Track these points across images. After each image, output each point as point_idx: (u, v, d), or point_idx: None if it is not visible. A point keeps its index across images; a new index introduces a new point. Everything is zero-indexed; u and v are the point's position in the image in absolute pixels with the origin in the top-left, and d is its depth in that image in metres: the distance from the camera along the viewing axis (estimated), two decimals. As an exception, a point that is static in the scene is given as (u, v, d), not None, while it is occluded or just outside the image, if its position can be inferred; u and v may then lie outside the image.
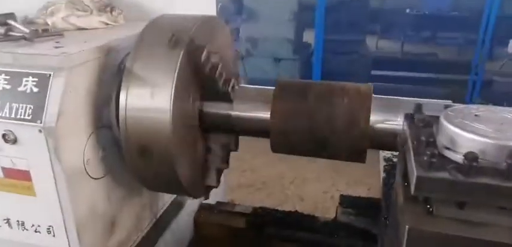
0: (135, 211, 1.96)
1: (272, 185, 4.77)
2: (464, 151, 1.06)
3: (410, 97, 5.25)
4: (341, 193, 2.37)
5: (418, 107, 1.38)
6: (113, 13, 2.02)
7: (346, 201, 2.29)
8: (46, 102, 1.42)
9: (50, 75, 1.43)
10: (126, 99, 1.49)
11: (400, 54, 9.87)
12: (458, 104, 1.53)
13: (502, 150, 1.02)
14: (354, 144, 1.53)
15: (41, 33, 1.72)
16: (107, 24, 1.99)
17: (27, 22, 2.00)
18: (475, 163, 1.00)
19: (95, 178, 1.64)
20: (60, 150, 1.44)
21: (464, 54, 9.12)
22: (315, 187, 4.84)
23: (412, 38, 10.36)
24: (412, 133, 1.25)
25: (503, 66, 7.92)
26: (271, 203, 4.51)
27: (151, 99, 1.47)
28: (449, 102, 1.58)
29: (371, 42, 8.64)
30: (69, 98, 1.44)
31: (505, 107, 1.33)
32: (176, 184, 1.58)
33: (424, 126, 1.22)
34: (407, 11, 9.99)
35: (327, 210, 4.43)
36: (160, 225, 2.17)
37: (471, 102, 5.43)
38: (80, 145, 1.54)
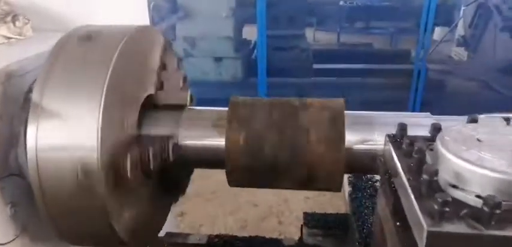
0: (62, 267, 1.58)
1: (222, 194, 4.48)
2: (476, 190, 0.86)
3: (353, 90, 5.23)
4: (304, 211, 2.15)
5: (402, 127, 1.17)
6: (16, 23, 1.61)
7: (311, 220, 2.07)
8: None
9: None
10: (37, 137, 1.13)
11: (337, 45, 10.03)
12: (444, 119, 1.37)
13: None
14: (329, 170, 1.30)
15: None
16: (9, 38, 1.58)
17: None
18: (497, 211, 0.80)
19: (3, 244, 1.26)
20: None
21: (398, 43, 9.49)
22: (265, 190, 4.63)
23: (347, 29, 10.58)
24: (402, 163, 1.04)
25: (432, 53, 8.29)
26: (224, 212, 4.25)
27: (69, 131, 1.12)
28: (428, 114, 1.39)
29: (308, 34, 8.62)
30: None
31: (499, 121, 1.17)
32: (110, 236, 1.25)
33: (415, 153, 1.01)
34: (341, 2, 10.17)
35: (282, 213, 4.26)
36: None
37: (416, 92, 5.47)
38: (-26, 210, 1.15)
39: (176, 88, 1.43)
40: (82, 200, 1.15)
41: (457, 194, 0.89)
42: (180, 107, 1.43)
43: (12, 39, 1.60)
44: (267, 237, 2.15)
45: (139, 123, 1.35)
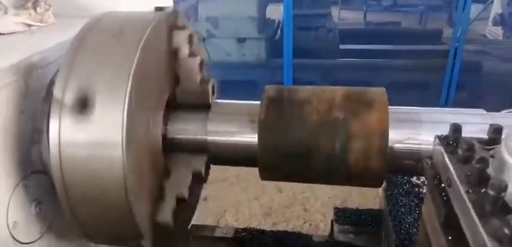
0: (89, 262, 1.55)
1: (246, 178, 4.42)
2: (553, 208, 0.75)
3: (381, 71, 5.01)
4: (335, 206, 2.06)
5: (456, 128, 1.05)
6: (38, 10, 1.54)
7: (342, 216, 1.98)
8: None
9: None
10: (60, 132, 1.06)
11: (363, 24, 9.72)
12: (498, 116, 1.24)
13: None
14: (368, 171, 1.19)
15: None
16: (30, 25, 1.52)
17: None
18: None
19: (29, 243, 1.22)
20: (-35, 223, 1.01)
21: (428, 22, 9.11)
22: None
23: (374, 7, 10.24)
24: (458, 171, 0.92)
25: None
26: (248, 198, 4.20)
27: (94, 126, 1.05)
28: (482, 111, 1.26)
29: (334, 13, 8.36)
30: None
31: None
32: (135, 237, 1.18)
33: (477, 162, 0.89)
34: (368, -22, 9.85)
35: (307, 200, 4.18)
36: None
37: (452, 74, 5.15)
38: (-3, 209, 1.11)
39: (194, 83, 1.31)
40: (106, 198, 1.09)
41: (527, 212, 0.78)
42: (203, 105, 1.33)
43: (33, 27, 1.53)
44: (296, 231, 2.08)
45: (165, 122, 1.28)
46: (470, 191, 0.85)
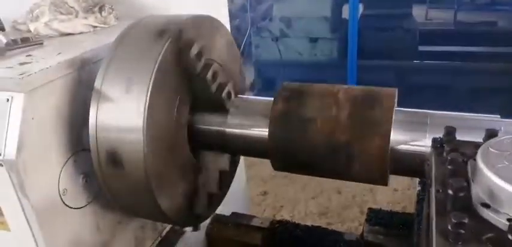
0: (133, 234, 1.78)
1: (307, 176, 4.46)
2: (510, 212, 0.75)
3: (463, 76, 4.62)
4: (369, 206, 2.06)
5: (449, 131, 1.05)
6: (103, 13, 1.82)
7: (374, 217, 1.97)
8: (5, 132, 1.24)
9: (8, 99, 1.25)
10: (97, 116, 1.28)
11: (453, 24, 9.03)
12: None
13: None
14: (369, 165, 1.23)
15: (19, 42, 1.55)
16: (95, 27, 1.79)
17: (15, 27, 1.86)
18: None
19: (77, 208, 1.47)
20: (25, 185, 1.27)
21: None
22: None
23: (467, 5, 9.45)
24: (438, 171, 0.94)
25: None
26: (306, 196, 4.25)
27: (121, 113, 1.25)
28: (497, 117, 1.21)
29: (419, 13, 7.91)
30: (32, 125, 1.26)
31: None
32: (158, 213, 1.37)
33: (449, 164, 0.90)
34: (461, -26, 9.11)
35: (365, 203, 4.10)
36: (166, 244, 1.98)
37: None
38: (51, 177, 1.36)
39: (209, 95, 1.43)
40: (130, 177, 1.28)
41: (487, 214, 0.78)
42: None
43: (98, 28, 1.80)
44: (329, 228, 2.12)
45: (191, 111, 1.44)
46: (440, 190, 0.87)
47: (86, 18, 1.79)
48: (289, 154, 1.31)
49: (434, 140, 1.07)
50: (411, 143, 1.21)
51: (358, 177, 1.26)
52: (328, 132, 1.24)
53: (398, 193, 4.06)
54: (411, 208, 3.81)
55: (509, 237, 0.69)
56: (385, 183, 1.27)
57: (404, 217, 1.93)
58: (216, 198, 1.59)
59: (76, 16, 1.77)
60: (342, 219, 3.96)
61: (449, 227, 0.73)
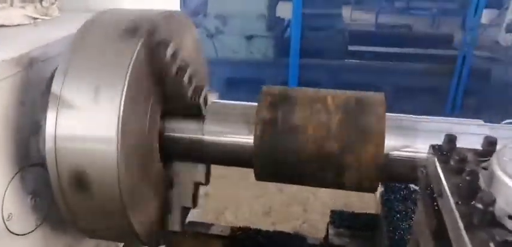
0: (85, 254, 1.57)
1: (248, 176, 4.40)
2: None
3: (389, 75, 4.94)
4: (331, 209, 2.05)
5: (450, 139, 1.04)
6: (43, 3, 1.56)
7: (338, 219, 1.97)
8: None
9: None
10: (56, 126, 1.08)
11: (375, 26, 9.63)
12: (497, 128, 1.23)
13: None
14: (362, 176, 1.19)
15: None
16: (35, 18, 1.54)
17: None
18: None
19: (24, 234, 1.24)
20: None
21: (440, 26, 9.00)
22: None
23: (387, 8, 10.13)
24: (449, 182, 0.92)
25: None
26: (249, 196, 4.20)
27: (89, 122, 1.06)
28: (480, 122, 1.25)
29: (345, 14, 8.29)
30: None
31: None
32: (130, 234, 1.20)
33: (467, 175, 0.88)
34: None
35: (307, 201, 4.17)
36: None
37: (459, 80, 5.08)
38: (-7, 199, 1.13)
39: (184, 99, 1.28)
40: (100, 194, 1.10)
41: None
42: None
43: (38, 20, 1.55)
44: (292, 232, 2.08)
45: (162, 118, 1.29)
46: (460, 203, 0.85)
47: (23, 7, 1.53)
48: (277, 163, 1.22)
49: (434, 147, 1.05)
50: (402, 150, 1.20)
51: (349, 186, 1.21)
52: (319, 139, 1.18)
53: (337, 191, 4.17)
54: (353, 203, 3.97)
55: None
56: (374, 190, 1.25)
57: (367, 218, 1.96)
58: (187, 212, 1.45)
59: (11, 4, 1.51)
60: (286, 218, 3.98)
61: (492, 245, 0.70)
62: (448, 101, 5.12)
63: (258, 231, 2.04)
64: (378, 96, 1.23)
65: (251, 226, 2.10)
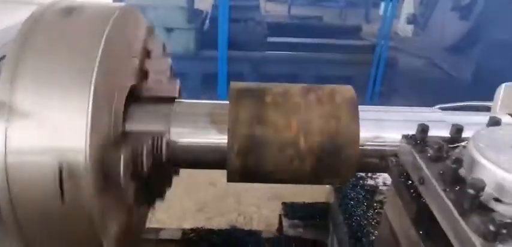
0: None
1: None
2: (522, 204, 0.82)
3: (310, 65, 5.15)
4: (283, 201, 2.08)
5: (423, 128, 1.10)
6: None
7: (291, 211, 2.00)
8: None
9: None
10: (6, 139, 0.91)
11: (288, 18, 9.96)
12: (453, 114, 1.33)
13: None
14: (339, 169, 1.20)
15: None
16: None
17: None
18: (556, 232, 0.75)
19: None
20: None
21: (347, 18, 9.62)
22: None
23: (298, 0, 10.53)
24: (432, 170, 0.97)
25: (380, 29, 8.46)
26: (180, 193, 4.06)
27: (50, 132, 0.92)
28: (437, 110, 1.34)
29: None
30: None
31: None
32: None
33: (453, 163, 0.94)
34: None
35: (240, 193, 4.17)
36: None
37: (377, 69, 5.49)
38: None
39: (163, 78, 1.24)
40: (64, 211, 0.96)
41: (501, 208, 0.84)
42: (168, 100, 1.25)
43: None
44: (245, 228, 2.06)
45: (125, 118, 1.17)
46: (447, 189, 0.90)
47: None
48: (253, 164, 1.18)
49: (407, 137, 1.11)
50: (373, 141, 1.24)
51: (325, 181, 1.22)
52: (296, 136, 1.16)
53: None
54: (283, 192, 4.08)
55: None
56: (346, 182, 1.28)
57: (318, 207, 2.02)
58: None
59: None
60: (221, 212, 3.94)
61: (492, 228, 0.75)
62: (367, 89, 5.52)
63: (212, 231, 1.99)
64: (349, 95, 1.24)
65: (202, 227, 2.04)
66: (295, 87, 1.27)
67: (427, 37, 7.32)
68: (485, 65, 5.63)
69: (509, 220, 0.80)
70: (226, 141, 1.16)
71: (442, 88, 5.89)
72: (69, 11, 1.03)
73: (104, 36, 0.97)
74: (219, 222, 3.88)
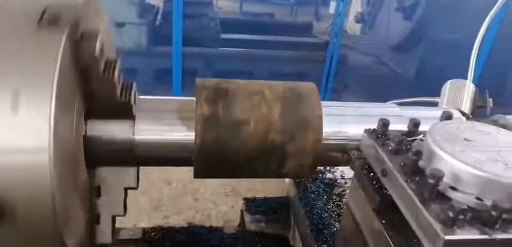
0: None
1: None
2: (475, 192, 0.90)
3: (264, 61, 5.23)
4: (244, 196, 2.09)
5: (384, 123, 1.16)
6: None
7: (252, 206, 2.03)
8: None
9: None
10: None
11: (240, 14, 9.96)
12: (409, 109, 1.41)
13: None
14: (303, 162, 1.24)
15: None
16: None
17: None
18: (505, 215, 0.83)
19: None
20: None
21: (298, 15, 9.79)
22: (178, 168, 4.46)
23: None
24: (393, 162, 1.03)
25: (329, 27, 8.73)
26: (135, 192, 3.95)
27: (9, 133, 0.87)
28: (394, 104, 1.42)
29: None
30: None
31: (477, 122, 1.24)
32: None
33: (414, 155, 1.00)
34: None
35: (197, 190, 4.15)
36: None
37: (330, 66, 5.66)
38: None
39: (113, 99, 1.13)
40: (25, 219, 0.91)
41: (457, 196, 0.91)
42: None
43: None
44: (206, 225, 2.06)
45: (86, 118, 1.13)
46: (408, 180, 0.97)
47: None
48: (221, 159, 1.18)
49: (369, 132, 1.17)
50: (336, 135, 1.29)
51: (290, 174, 1.25)
52: (262, 133, 1.18)
53: (225, 177, 4.25)
54: (241, 188, 4.10)
55: (493, 213, 0.83)
56: (311, 176, 1.32)
57: (279, 201, 2.05)
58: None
59: None
60: (178, 210, 3.89)
61: (451, 214, 0.82)
62: (321, 86, 5.68)
63: (173, 229, 1.96)
64: (310, 85, 1.29)
65: (163, 225, 2.01)
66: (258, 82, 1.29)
67: (374, 36, 7.65)
68: (428, 63, 6.01)
69: (465, 207, 0.87)
70: (193, 138, 1.15)
71: (390, 84, 6.21)
72: (22, 6, 0.98)
73: (66, 31, 0.93)
74: (176, 220, 3.83)
